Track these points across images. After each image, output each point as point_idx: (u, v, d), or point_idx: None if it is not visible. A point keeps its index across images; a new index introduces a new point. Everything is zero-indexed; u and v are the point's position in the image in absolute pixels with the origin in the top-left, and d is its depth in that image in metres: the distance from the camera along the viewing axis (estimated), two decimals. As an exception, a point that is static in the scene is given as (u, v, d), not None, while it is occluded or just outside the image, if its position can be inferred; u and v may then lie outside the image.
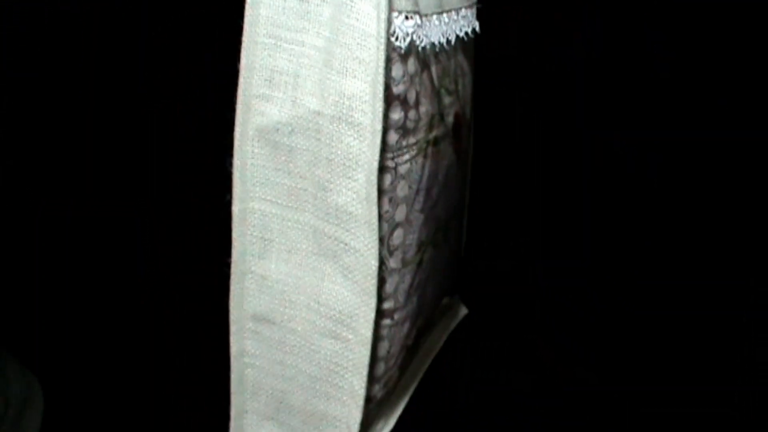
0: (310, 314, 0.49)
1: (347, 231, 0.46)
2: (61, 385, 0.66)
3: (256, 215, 0.47)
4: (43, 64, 0.66)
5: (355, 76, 0.43)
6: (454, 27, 0.52)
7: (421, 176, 0.51)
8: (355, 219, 0.46)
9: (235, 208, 0.47)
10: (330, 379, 0.49)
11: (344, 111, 0.44)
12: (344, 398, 0.49)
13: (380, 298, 0.51)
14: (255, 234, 0.48)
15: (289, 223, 0.47)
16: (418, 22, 0.46)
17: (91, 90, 0.68)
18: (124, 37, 0.66)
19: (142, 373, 0.73)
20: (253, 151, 0.46)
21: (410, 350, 0.57)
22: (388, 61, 0.45)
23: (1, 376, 0.59)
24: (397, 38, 0.45)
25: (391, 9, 0.44)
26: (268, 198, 0.47)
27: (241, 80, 0.45)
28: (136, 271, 0.72)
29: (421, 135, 0.50)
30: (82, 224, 0.68)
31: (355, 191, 0.45)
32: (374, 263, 0.46)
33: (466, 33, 0.52)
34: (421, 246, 0.53)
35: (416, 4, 0.46)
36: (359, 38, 0.43)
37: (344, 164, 0.45)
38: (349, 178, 0.45)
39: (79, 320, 0.69)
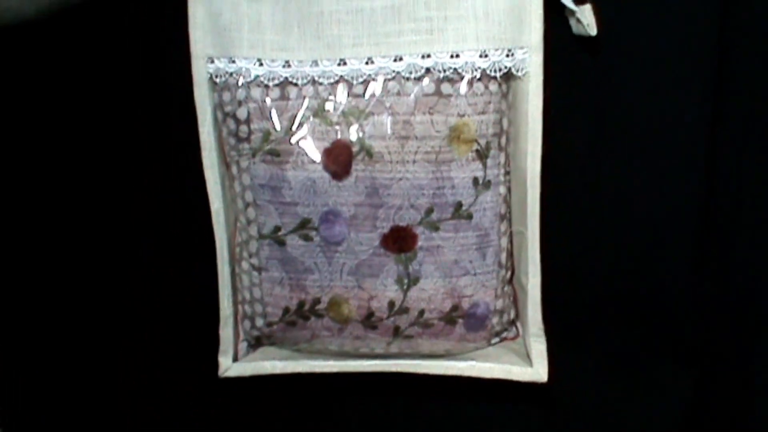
0: None
1: None
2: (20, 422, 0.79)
3: None
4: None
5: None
6: (320, 73, 0.68)
7: (263, 175, 0.70)
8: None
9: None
10: None
11: None
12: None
13: (249, 254, 0.74)
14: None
15: None
16: (247, 66, 0.69)
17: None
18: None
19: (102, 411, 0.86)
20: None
21: (303, 318, 0.73)
22: (213, 90, 0.70)
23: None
24: (217, 76, 0.69)
25: (208, 57, 0.69)
26: None
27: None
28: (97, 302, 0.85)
29: (255, 144, 0.70)
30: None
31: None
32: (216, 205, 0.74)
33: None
34: (277, 229, 0.71)
35: (234, 51, 0.69)
36: None
37: None
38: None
39: (38, 357, 0.80)
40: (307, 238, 0.72)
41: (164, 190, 0.82)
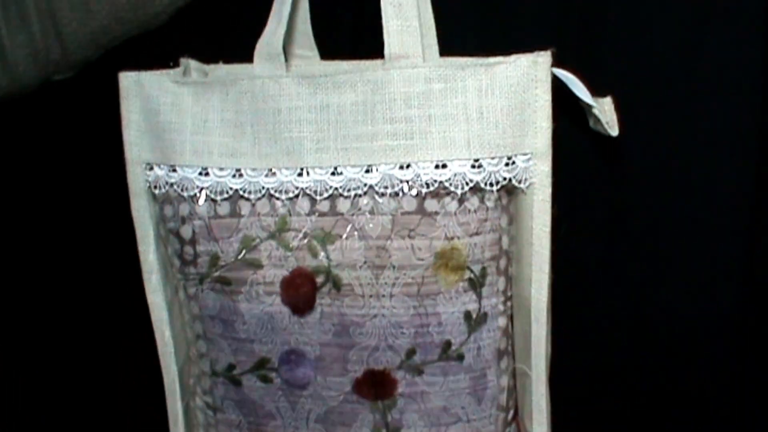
0: None
1: None
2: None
3: None
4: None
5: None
6: (278, 185, 0.56)
7: (213, 306, 0.58)
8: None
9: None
10: None
11: None
12: None
13: (202, 390, 0.62)
14: None
15: None
16: (187, 174, 0.57)
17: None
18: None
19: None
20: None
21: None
22: (153, 202, 0.59)
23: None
24: (156, 186, 0.57)
25: (145, 163, 0.58)
26: None
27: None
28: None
29: (202, 269, 0.58)
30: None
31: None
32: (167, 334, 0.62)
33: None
34: (232, 367, 0.59)
35: (175, 158, 0.57)
36: None
37: None
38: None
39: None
40: (266, 380, 0.60)
41: (107, 312, 0.71)
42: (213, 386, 0.62)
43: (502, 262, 0.58)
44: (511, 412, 0.62)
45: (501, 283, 0.58)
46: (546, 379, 0.58)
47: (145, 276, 0.61)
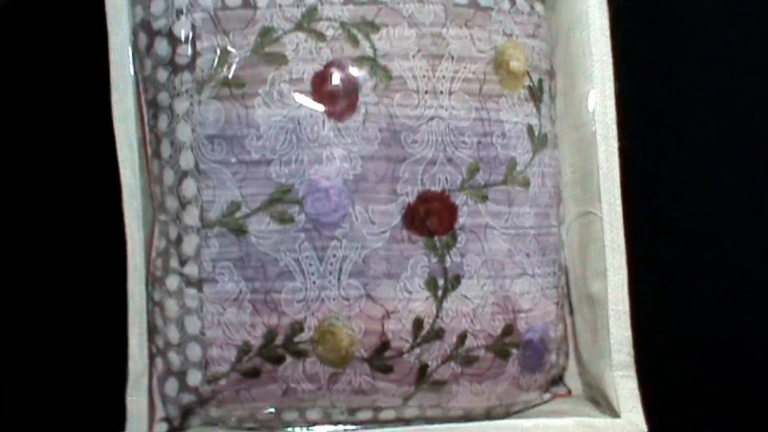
0: None
1: None
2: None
3: None
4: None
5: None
6: None
7: (214, 120, 0.45)
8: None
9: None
10: None
11: None
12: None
13: (181, 260, 0.46)
14: None
15: None
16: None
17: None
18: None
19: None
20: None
21: (274, 360, 0.45)
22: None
23: None
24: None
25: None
26: None
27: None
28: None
29: (203, 73, 0.45)
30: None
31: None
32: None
33: None
34: (235, 207, 0.44)
35: None
36: None
37: None
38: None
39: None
40: (284, 219, 0.45)
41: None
42: (201, 247, 0.45)
43: (552, 84, 0.51)
44: (564, 287, 0.52)
45: (552, 110, 0.51)
46: (621, 217, 0.49)
47: (114, 98, 0.46)
